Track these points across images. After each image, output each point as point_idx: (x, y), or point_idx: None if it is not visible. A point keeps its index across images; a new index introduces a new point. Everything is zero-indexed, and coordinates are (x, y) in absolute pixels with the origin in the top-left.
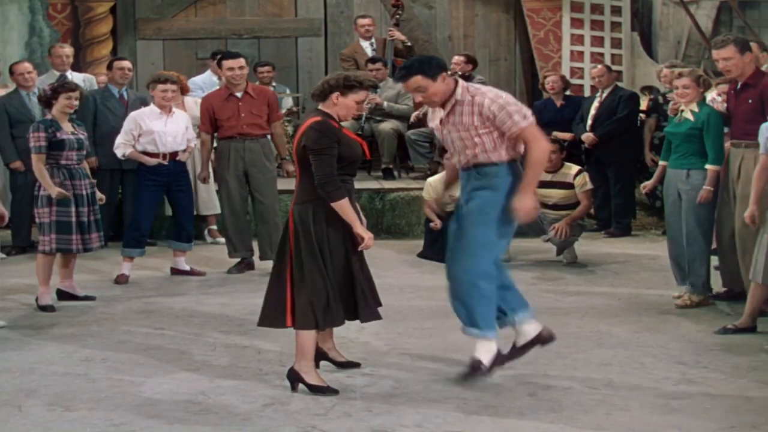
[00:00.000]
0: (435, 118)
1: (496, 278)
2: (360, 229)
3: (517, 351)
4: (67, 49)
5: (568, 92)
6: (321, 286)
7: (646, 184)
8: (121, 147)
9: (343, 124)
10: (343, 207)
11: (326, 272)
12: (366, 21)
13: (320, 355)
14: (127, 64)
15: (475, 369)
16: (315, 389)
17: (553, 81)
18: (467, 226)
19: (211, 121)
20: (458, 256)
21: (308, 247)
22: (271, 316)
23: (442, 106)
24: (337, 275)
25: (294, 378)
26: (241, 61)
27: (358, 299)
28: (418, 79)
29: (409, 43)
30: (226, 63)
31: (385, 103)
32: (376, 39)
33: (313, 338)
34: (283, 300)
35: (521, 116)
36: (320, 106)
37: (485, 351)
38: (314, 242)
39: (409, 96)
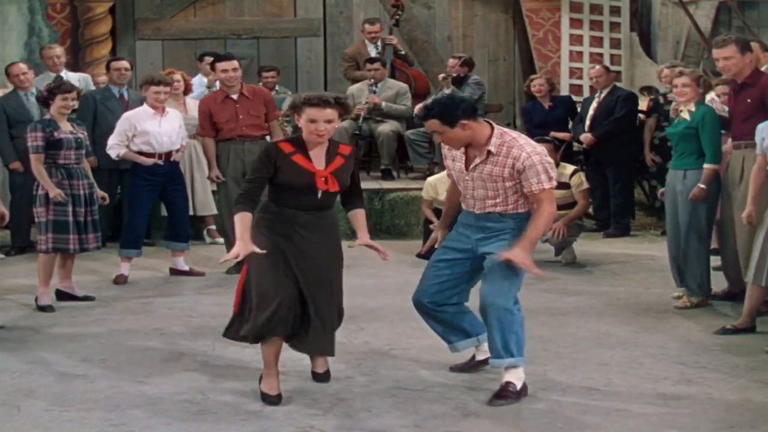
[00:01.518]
0: (450, 156)
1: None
2: (238, 243)
3: (477, 363)
4: (57, 50)
5: (553, 93)
6: (257, 295)
7: (662, 191)
8: (115, 148)
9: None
10: (239, 219)
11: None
12: (373, 27)
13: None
14: (124, 64)
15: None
16: (263, 396)
17: (540, 84)
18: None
19: (211, 125)
20: (491, 282)
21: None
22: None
23: (468, 150)
24: (287, 288)
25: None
26: (235, 63)
27: (310, 323)
28: (434, 124)
29: (402, 52)
30: (220, 65)
31: (384, 104)
32: (381, 40)
33: (266, 347)
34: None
35: (547, 177)
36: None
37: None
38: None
39: (408, 96)
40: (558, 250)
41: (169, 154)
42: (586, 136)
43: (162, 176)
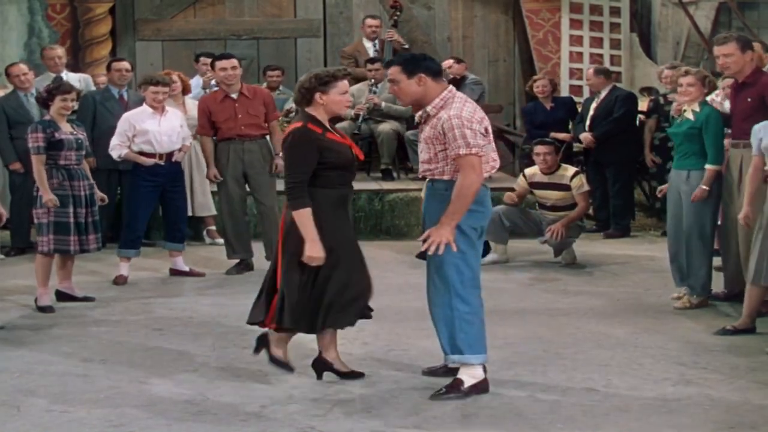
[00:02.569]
0: None
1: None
2: (312, 247)
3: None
4: (59, 50)
5: (554, 94)
6: (300, 289)
7: (663, 189)
8: (117, 148)
9: (339, 125)
10: (302, 217)
11: (310, 275)
12: (374, 22)
13: (323, 365)
14: (125, 65)
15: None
16: (273, 360)
17: (543, 85)
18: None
19: (209, 124)
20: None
21: (294, 248)
22: (255, 312)
23: (417, 110)
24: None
25: (262, 343)
26: (234, 62)
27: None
28: (395, 70)
29: (406, 45)
30: (219, 63)
31: (383, 104)
32: (379, 40)
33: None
34: (269, 299)
35: (465, 142)
36: (307, 110)
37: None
38: (300, 244)
39: None
40: (558, 251)
41: (170, 154)
42: (585, 136)
43: (163, 176)
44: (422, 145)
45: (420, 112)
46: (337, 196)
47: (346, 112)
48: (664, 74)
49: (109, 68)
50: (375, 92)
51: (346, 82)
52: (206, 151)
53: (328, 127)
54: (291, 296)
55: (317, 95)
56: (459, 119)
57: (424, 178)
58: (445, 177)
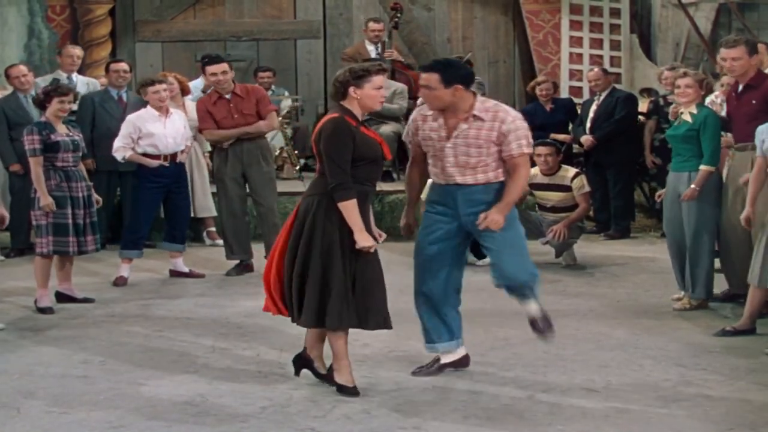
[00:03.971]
0: (427, 128)
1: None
2: (360, 235)
3: (441, 366)
4: (78, 50)
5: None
6: (315, 281)
7: (661, 193)
8: (121, 150)
9: None
10: (348, 208)
11: (329, 268)
12: (378, 26)
13: (303, 362)
14: (123, 66)
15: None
16: (343, 389)
17: (546, 88)
18: (499, 234)
19: (211, 119)
20: (508, 262)
21: (311, 240)
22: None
23: (446, 118)
24: (339, 272)
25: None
26: (224, 66)
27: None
28: (433, 78)
29: (404, 60)
30: (209, 69)
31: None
32: (381, 43)
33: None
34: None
35: (527, 142)
36: (342, 103)
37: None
38: (319, 235)
39: (404, 96)
40: (559, 252)
41: (174, 155)
42: (586, 138)
43: (168, 178)
44: (465, 149)
45: (462, 120)
46: (360, 192)
47: (377, 107)
48: (664, 75)
49: (107, 69)
50: None
51: (381, 77)
52: (220, 134)
53: (362, 121)
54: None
55: (351, 89)
56: (522, 121)
57: (460, 184)
58: (501, 178)
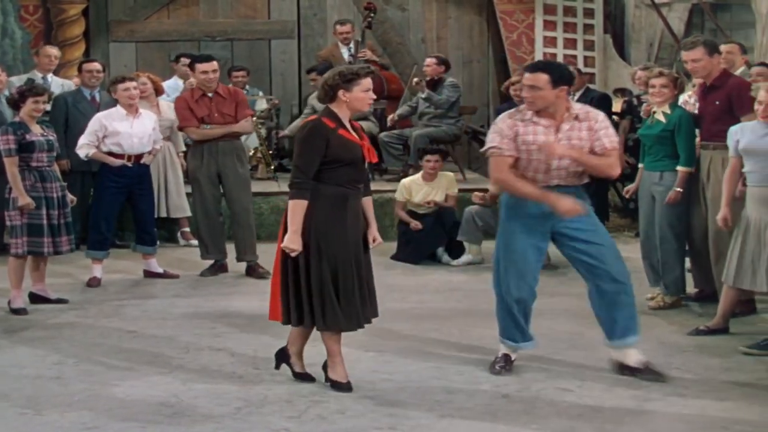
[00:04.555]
0: (526, 133)
1: None
2: (291, 236)
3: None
4: (56, 51)
5: None
6: (303, 284)
7: (629, 189)
8: (85, 147)
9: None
10: (293, 208)
11: (315, 270)
12: (345, 28)
13: (283, 357)
14: (96, 66)
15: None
16: (336, 385)
17: (520, 88)
18: (594, 238)
19: (194, 116)
20: (605, 266)
21: (316, 245)
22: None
23: (543, 119)
24: (328, 273)
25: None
26: (215, 65)
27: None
28: (542, 79)
29: (378, 60)
30: (200, 66)
31: None
32: (354, 42)
33: (337, 336)
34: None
35: (615, 138)
36: (330, 105)
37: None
38: (309, 238)
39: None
40: None
41: (138, 156)
42: None
43: (130, 178)
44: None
45: (561, 121)
46: (337, 194)
47: (365, 108)
48: (637, 75)
49: (80, 69)
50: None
51: (369, 79)
52: (204, 133)
53: (345, 123)
54: (296, 293)
55: (340, 92)
56: (608, 120)
57: (564, 188)
58: (586, 180)
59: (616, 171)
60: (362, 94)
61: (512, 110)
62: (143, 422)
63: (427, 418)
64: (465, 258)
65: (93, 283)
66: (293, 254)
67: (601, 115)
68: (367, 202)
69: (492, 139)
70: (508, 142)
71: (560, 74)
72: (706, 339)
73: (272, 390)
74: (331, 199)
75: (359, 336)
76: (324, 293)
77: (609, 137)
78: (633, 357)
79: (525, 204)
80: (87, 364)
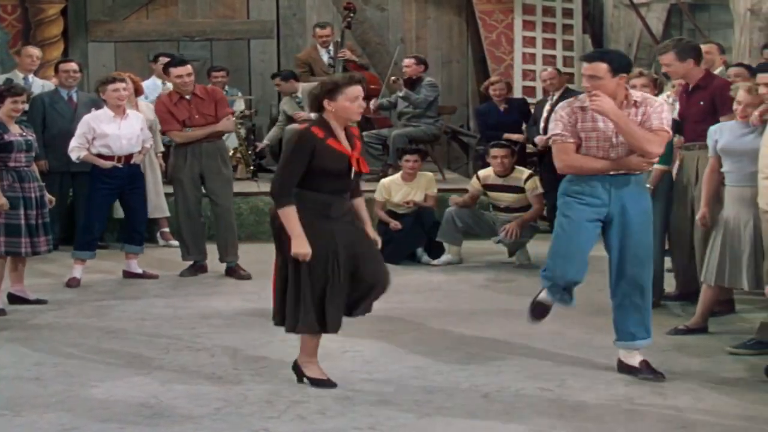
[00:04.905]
0: (586, 119)
1: None
2: (296, 241)
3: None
4: (38, 51)
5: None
6: (303, 287)
7: None
8: (76, 150)
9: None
10: (285, 215)
11: (309, 274)
12: (324, 31)
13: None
14: (73, 66)
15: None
16: (314, 382)
17: (500, 88)
18: (641, 234)
19: (175, 119)
20: (635, 265)
21: (280, 246)
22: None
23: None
24: (319, 275)
25: (297, 371)
26: (189, 68)
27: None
28: (602, 68)
29: (358, 61)
30: (174, 71)
31: (313, 116)
32: (333, 44)
33: (312, 337)
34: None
35: (668, 124)
36: (323, 115)
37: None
38: (285, 241)
39: None
40: (511, 251)
41: (128, 156)
42: (540, 138)
43: (121, 179)
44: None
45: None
46: (320, 201)
47: (354, 118)
48: None
49: (56, 70)
50: (299, 101)
51: (356, 87)
52: (189, 135)
53: (336, 133)
54: (296, 296)
55: (325, 102)
56: (665, 106)
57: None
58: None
59: (654, 148)
60: (347, 103)
61: (571, 99)
62: (122, 423)
63: (407, 418)
64: (445, 258)
65: (72, 283)
66: (306, 258)
67: (658, 101)
68: (359, 203)
69: (554, 127)
70: (571, 128)
71: (619, 62)
72: (686, 338)
73: (252, 390)
74: (314, 204)
75: (338, 336)
76: (300, 295)
77: (660, 119)
78: (634, 356)
79: (583, 192)
80: (66, 365)
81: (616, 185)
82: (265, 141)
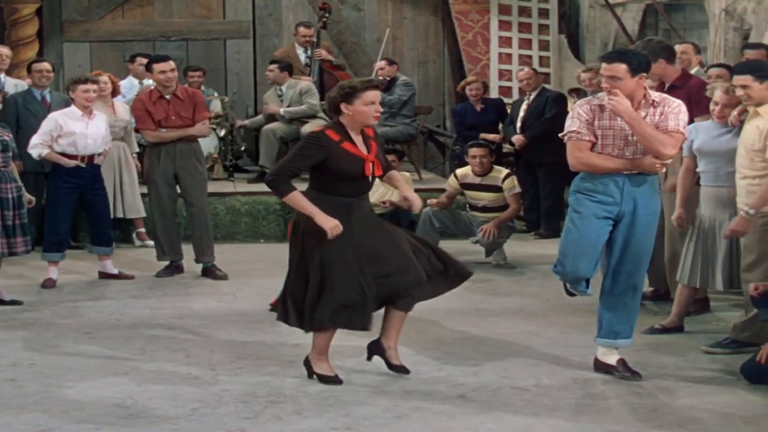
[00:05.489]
0: (602, 116)
1: None
2: (318, 218)
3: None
4: (7, 50)
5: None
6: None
7: None
8: (38, 147)
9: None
10: (295, 199)
11: (334, 273)
12: (308, 31)
13: (377, 350)
14: (45, 66)
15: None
16: (322, 378)
17: (476, 88)
18: (644, 235)
19: (152, 120)
20: (633, 264)
21: (309, 246)
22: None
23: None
24: (344, 270)
25: (307, 366)
26: (172, 64)
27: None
28: (620, 69)
29: (334, 61)
30: (158, 66)
31: (282, 110)
32: (310, 45)
33: (325, 336)
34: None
35: (684, 125)
36: (340, 118)
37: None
38: (315, 242)
39: (313, 93)
40: (488, 251)
41: (91, 157)
42: (517, 138)
43: (83, 179)
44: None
45: (638, 108)
46: (339, 204)
47: (371, 122)
48: (581, 78)
49: (29, 70)
50: (280, 95)
51: (374, 92)
52: (161, 135)
53: (351, 137)
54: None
55: (342, 106)
56: (684, 107)
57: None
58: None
59: (667, 150)
60: (364, 107)
61: (589, 97)
62: (98, 424)
63: (383, 418)
64: None
65: (48, 284)
66: (338, 230)
67: (676, 102)
68: (392, 176)
69: (570, 124)
70: (587, 126)
71: (638, 62)
72: (662, 338)
73: (228, 391)
74: (334, 207)
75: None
76: (325, 295)
77: (676, 120)
78: (612, 355)
79: (595, 190)
80: (42, 366)
81: (629, 184)
82: (246, 122)
